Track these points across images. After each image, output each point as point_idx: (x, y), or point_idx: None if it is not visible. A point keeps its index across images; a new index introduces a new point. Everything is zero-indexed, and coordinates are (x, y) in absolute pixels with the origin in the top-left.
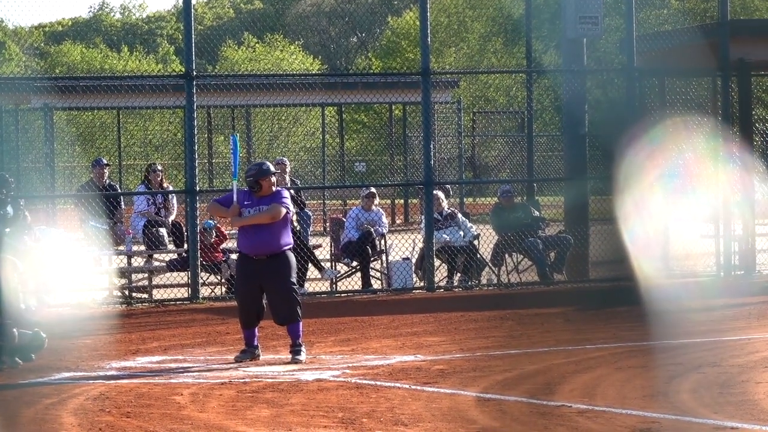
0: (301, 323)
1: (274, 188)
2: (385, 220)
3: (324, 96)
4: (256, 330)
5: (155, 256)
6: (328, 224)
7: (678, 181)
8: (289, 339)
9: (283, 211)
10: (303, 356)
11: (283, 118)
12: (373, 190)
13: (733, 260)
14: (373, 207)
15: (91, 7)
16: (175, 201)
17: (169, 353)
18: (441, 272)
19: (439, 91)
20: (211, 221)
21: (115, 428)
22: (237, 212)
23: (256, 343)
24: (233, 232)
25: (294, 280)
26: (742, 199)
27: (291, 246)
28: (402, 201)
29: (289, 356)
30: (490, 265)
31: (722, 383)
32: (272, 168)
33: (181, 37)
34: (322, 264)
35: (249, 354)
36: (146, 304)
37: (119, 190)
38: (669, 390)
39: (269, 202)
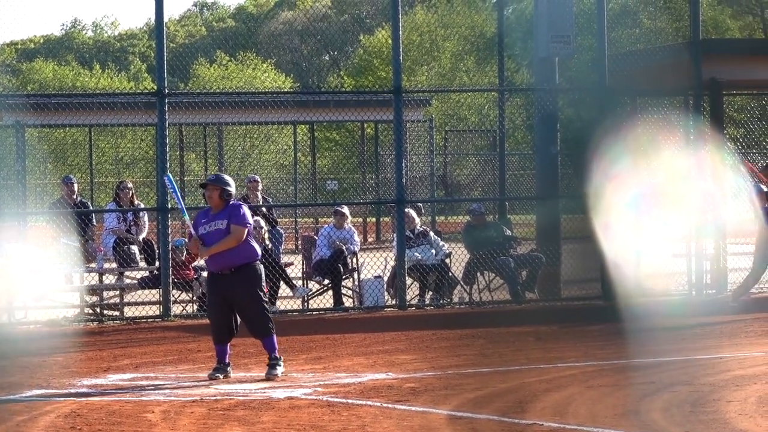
0: (274, 336)
1: (230, 201)
2: (357, 238)
3: (296, 114)
4: (228, 347)
5: (127, 273)
6: (299, 242)
7: (649, 200)
8: (267, 353)
9: (245, 231)
10: (279, 370)
11: (255, 135)
12: (343, 209)
13: (705, 279)
14: (345, 225)
15: (63, 24)
16: (146, 218)
17: (140, 371)
18: (413, 290)
19: (411, 110)
20: (181, 239)
21: None
22: (197, 245)
23: (227, 361)
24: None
25: (261, 292)
26: (714, 218)
27: (255, 258)
28: (374, 219)
29: (263, 373)
30: (462, 283)
31: (694, 402)
32: (223, 180)
33: (153, 54)
34: (294, 282)
35: (221, 371)
36: (118, 321)
37: (91, 207)
38: (641, 408)
39: (224, 216)
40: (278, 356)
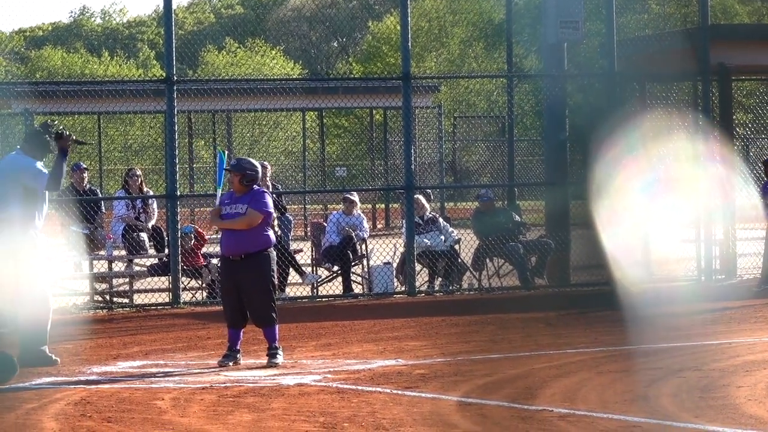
0: (277, 326)
1: (255, 187)
2: (366, 224)
3: (305, 101)
4: (241, 333)
5: (136, 260)
6: (308, 229)
7: (658, 186)
8: (267, 342)
9: (260, 217)
10: (279, 359)
11: (264, 122)
12: (352, 196)
13: (714, 264)
14: (354, 212)
15: (71, 11)
16: (155, 206)
17: (150, 358)
18: (422, 277)
19: (419, 96)
20: (189, 226)
21: None
22: (217, 213)
23: (238, 347)
24: (214, 236)
25: (271, 281)
26: (723, 203)
27: (269, 246)
28: (383, 206)
29: (266, 362)
30: (471, 269)
31: (703, 387)
32: (243, 165)
33: (161, 41)
34: (303, 269)
35: (231, 358)
36: (127, 308)
37: (100, 195)
38: (650, 394)
39: (247, 201)
40: (278, 345)
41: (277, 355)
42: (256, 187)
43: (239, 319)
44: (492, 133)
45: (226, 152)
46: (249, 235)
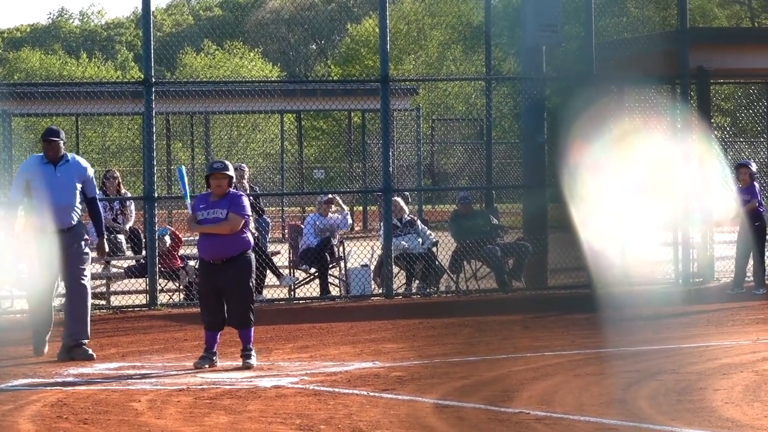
0: (253, 328)
1: (230, 190)
2: (349, 218)
3: (283, 103)
4: (219, 335)
5: (113, 262)
6: (286, 231)
7: (635, 189)
8: (241, 344)
9: (242, 221)
10: (254, 360)
11: (242, 124)
12: (330, 196)
13: (692, 268)
14: (330, 213)
15: (50, 13)
16: (133, 207)
17: (127, 360)
18: (399, 279)
19: (398, 98)
20: (165, 228)
21: None
22: (193, 219)
23: (215, 350)
24: (190, 238)
25: (251, 284)
26: (700, 206)
27: (249, 248)
28: (361, 208)
29: (241, 364)
30: (449, 272)
31: (680, 390)
32: (226, 167)
33: (140, 43)
34: (281, 271)
35: (207, 360)
36: (104, 310)
37: None
38: (627, 397)
39: (225, 205)
40: (252, 347)
41: (251, 356)
42: (231, 190)
43: (218, 322)
44: (470, 135)
45: (184, 167)
46: (229, 238)
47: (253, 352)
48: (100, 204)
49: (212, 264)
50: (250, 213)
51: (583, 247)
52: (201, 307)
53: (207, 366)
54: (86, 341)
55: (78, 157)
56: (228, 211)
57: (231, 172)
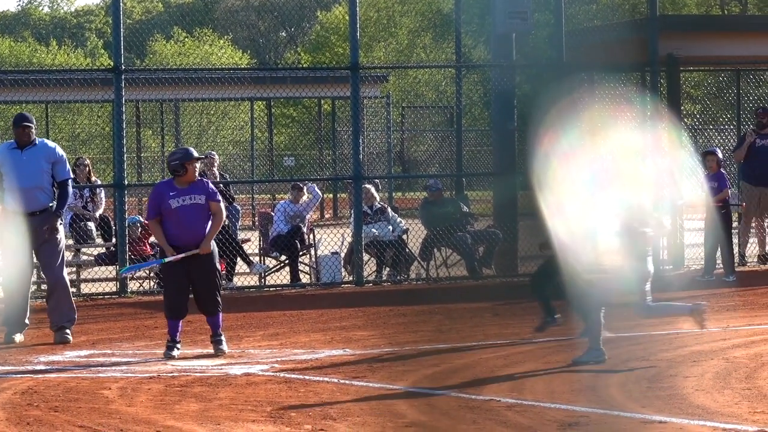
0: (221, 314)
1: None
2: (318, 190)
3: (253, 90)
4: (180, 324)
5: (83, 250)
6: (256, 218)
7: (605, 177)
8: (210, 330)
9: (224, 213)
10: (225, 346)
11: (212, 112)
12: (303, 185)
13: (662, 255)
14: (301, 200)
15: (19, 0)
16: (103, 195)
17: (97, 347)
18: (370, 267)
19: (368, 86)
20: (135, 217)
21: (43, 422)
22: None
23: (179, 338)
24: None
25: (217, 270)
26: (670, 194)
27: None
28: (331, 195)
29: (212, 350)
30: (419, 259)
31: (651, 377)
32: (196, 154)
33: (109, 31)
34: (251, 258)
35: (174, 349)
36: (74, 298)
37: None
38: (597, 384)
39: (195, 191)
40: (221, 333)
41: (223, 342)
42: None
43: (184, 310)
44: (440, 123)
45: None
46: (197, 227)
47: (223, 338)
48: (71, 190)
49: (183, 249)
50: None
51: (552, 234)
52: (168, 294)
53: (176, 356)
54: (69, 326)
55: (47, 141)
56: (206, 198)
57: (199, 158)
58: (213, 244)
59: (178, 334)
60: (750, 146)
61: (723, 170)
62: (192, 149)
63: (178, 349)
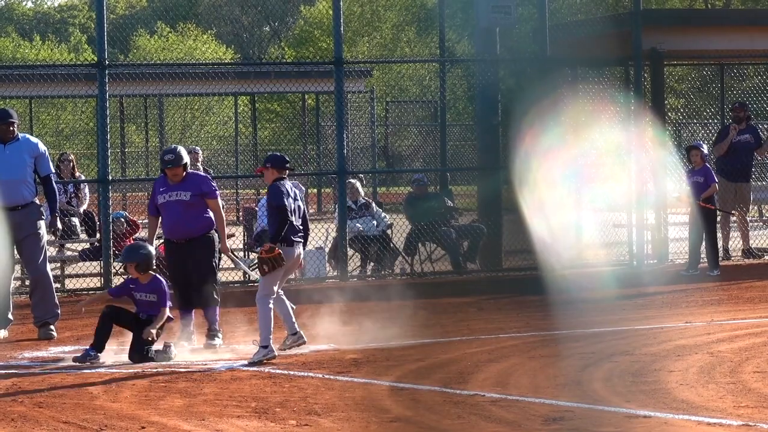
0: (218, 308)
1: (189, 171)
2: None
3: (237, 85)
4: (192, 313)
5: (67, 245)
6: (241, 213)
7: (589, 171)
8: (206, 324)
9: (221, 205)
10: (218, 341)
11: (196, 107)
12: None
13: (646, 249)
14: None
15: None
16: (87, 190)
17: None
18: (354, 262)
19: (352, 81)
20: (120, 212)
21: (28, 418)
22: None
23: (191, 328)
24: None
25: (214, 263)
26: (654, 188)
27: (212, 228)
28: (315, 190)
29: (203, 343)
30: (403, 254)
31: (635, 372)
32: (182, 156)
33: (93, 26)
34: (235, 254)
35: (186, 338)
36: (58, 293)
37: None
38: (582, 379)
39: (188, 187)
40: (218, 327)
41: (216, 337)
42: (191, 171)
43: (189, 301)
44: (424, 117)
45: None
46: (192, 218)
47: (219, 333)
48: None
49: (176, 243)
50: (216, 188)
51: (537, 228)
52: (173, 288)
53: (186, 344)
54: (53, 321)
55: (29, 136)
56: (192, 194)
57: (185, 159)
58: (214, 236)
59: (191, 323)
60: None
61: (708, 165)
62: (170, 154)
63: (189, 338)
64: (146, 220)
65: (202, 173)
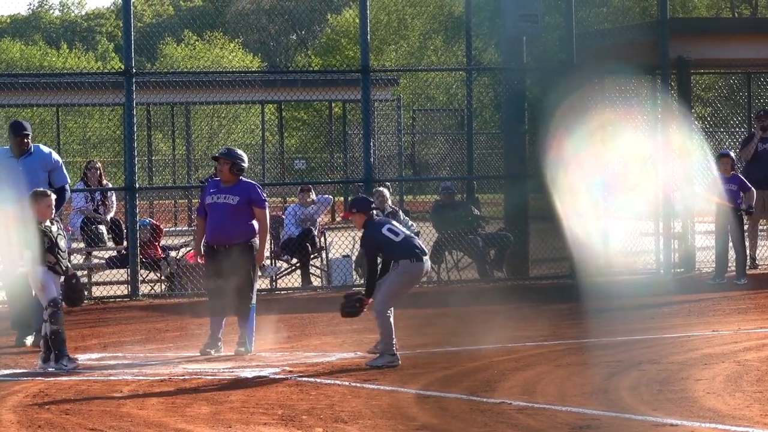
0: (254, 317)
1: (242, 178)
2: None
3: (264, 93)
4: (223, 321)
5: (94, 253)
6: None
7: (617, 179)
8: (239, 330)
9: (267, 216)
10: (246, 348)
11: (223, 115)
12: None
13: (673, 258)
14: (309, 200)
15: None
16: (114, 198)
17: (108, 350)
18: None
19: (379, 89)
20: (146, 219)
21: (55, 425)
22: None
23: (220, 335)
24: (171, 229)
25: (251, 272)
26: (681, 197)
27: (254, 236)
28: (342, 198)
29: (232, 352)
30: (431, 262)
31: (662, 380)
32: (234, 154)
33: (120, 34)
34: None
35: (213, 346)
36: (85, 301)
37: None
38: (609, 387)
39: (237, 192)
40: (251, 336)
41: (245, 343)
42: (244, 178)
43: (221, 308)
44: (451, 126)
45: None
46: (233, 226)
47: (250, 342)
48: (81, 195)
49: (215, 249)
50: (266, 199)
51: (566, 237)
52: (208, 293)
53: (212, 352)
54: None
55: (42, 146)
56: (240, 199)
57: (235, 158)
58: (255, 245)
59: (219, 331)
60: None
61: (737, 173)
62: (227, 149)
63: (218, 347)
64: (170, 227)
65: (253, 182)
